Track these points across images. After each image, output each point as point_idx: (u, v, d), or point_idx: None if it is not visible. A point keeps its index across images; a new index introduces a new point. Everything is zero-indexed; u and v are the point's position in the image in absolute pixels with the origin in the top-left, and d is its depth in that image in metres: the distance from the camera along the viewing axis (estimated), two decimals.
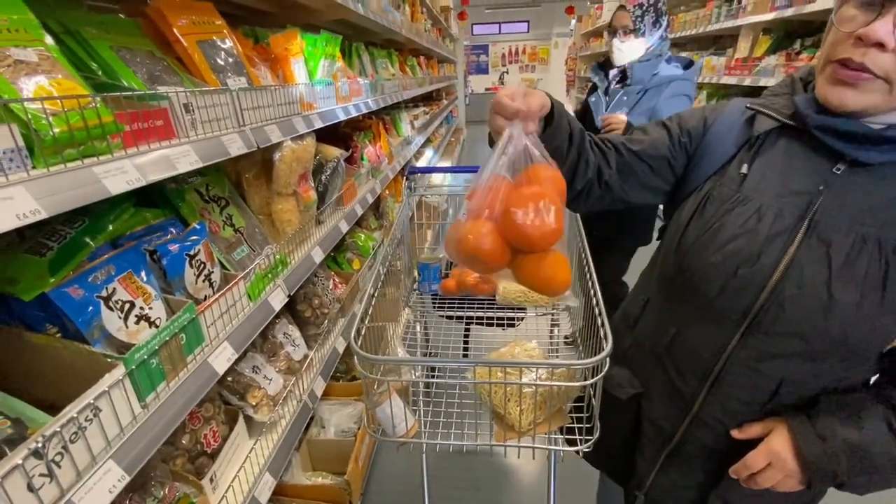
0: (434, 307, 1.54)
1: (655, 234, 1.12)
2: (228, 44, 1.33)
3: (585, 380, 0.85)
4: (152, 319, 0.97)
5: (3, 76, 0.72)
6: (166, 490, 1.05)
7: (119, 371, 0.82)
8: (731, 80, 4.09)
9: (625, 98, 2.26)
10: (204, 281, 1.14)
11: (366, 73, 2.85)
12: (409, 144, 3.77)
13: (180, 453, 1.20)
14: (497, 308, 1.48)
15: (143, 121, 0.94)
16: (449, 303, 1.53)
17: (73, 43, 0.96)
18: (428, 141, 5.13)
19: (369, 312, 0.98)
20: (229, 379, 1.41)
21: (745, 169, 0.87)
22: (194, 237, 1.12)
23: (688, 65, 2.22)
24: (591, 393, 0.93)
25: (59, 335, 0.88)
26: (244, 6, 1.83)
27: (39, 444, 0.67)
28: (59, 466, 0.71)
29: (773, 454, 0.83)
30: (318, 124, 1.69)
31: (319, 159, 1.92)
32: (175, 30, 1.18)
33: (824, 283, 0.76)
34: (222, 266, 1.26)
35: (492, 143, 0.86)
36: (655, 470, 1.04)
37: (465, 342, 1.46)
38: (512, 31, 14.83)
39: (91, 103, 0.79)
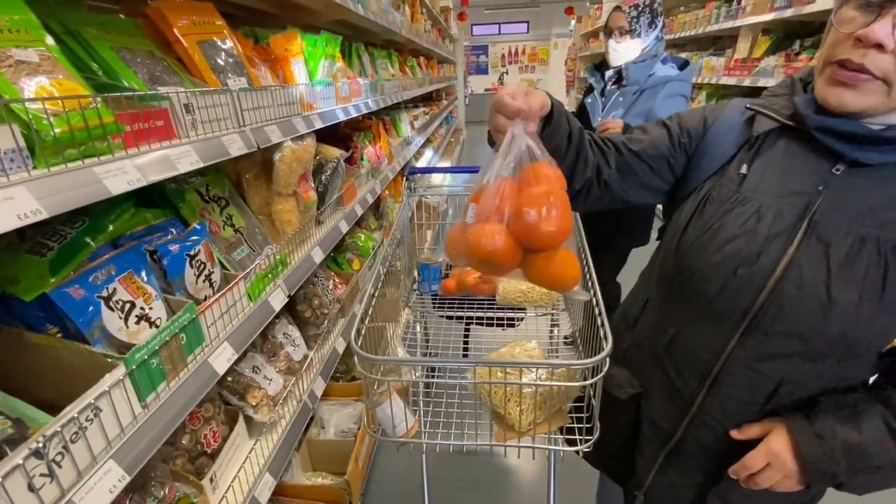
0: (434, 307, 1.54)
1: (654, 235, 1.12)
2: (229, 44, 1.33)
3: (585, 380, 0.85)
4: (153, 319, 0.97)
5: (4, 76, 0.73)
6: (166, 490, 1.05)
7: (119, 371, 0.82)
8: (731, 81, 4.10)
9: (621, 99, 2.26)
10: (204, 281, 1.14)
11: (366, 73, 2.85)
12: (409, 145, 3.77)
13: (180, 453, 1.20)
14: (497, 308, 1.48)
15: (144, 121, 0.95)
16: (449, 303, 1.53)
17: (73, 43, 0.96)
18: (428, 141, 5.13)
19: (369, 312, 0.98)
20: (229, 379, 1.41)
21: (744, 169, 0.88)
22: (195, 237, 1.12)
23: (683, 65, 2.22)
24: (591, 393, 0.93)
25: (59, 335, 0.88)
26: (244, 6, 1.83)
27: (40, 444, 0.67)
28: (60, 466, 0.71)
29: (773, 454, 0.83)
30: (318, 125, 1.70)
31: (319, 160, 1.92)
32: (175, 30, 1.18)
33: (823, 284, 0.76)
34: (222, 266, 1.26)
35: (491, 142, 0.86)
36: (655, 470, 1.04)
37: (465, 342, 1.46)
38: (511, 32, 14.84)
39: (92, 103, 0.79)
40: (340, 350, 1.95)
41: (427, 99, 6.38)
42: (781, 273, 0.79)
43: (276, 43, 1.69)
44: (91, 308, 0.87)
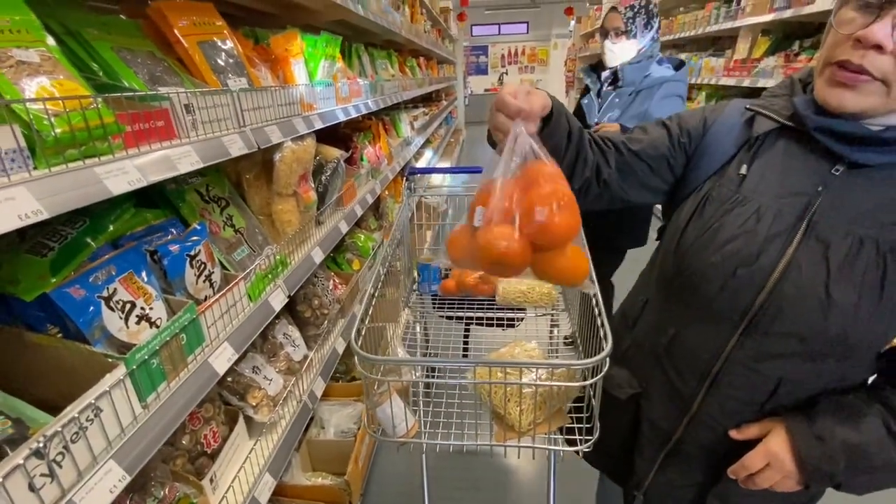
0: (434, 308, 1.54)
1: (654, 235, 1.12)
2: (229, 44, 1.33)
3: (585, 380, 0.85)
4: (153, 320, 0.97)
5: (5, 77, 0.73)
6: (166, 490, 1.05)
7: (120, 371, 0.82)
8: (730, 82, 4.10)
9: (616, 100, 2.26)
10: (204, 281, 1.14)
11: (365, 73, 2.86)
12: (409, 145, 3.77)
13: (180, 454, 1.20)
14: (497, 308, 1.48)
15: (145, 121, 0.95)
16: (449, 303, 1.53)
17: (74, 44, 0.97)
18: (427, 142, 5.14)
19: (369, 313, 0.98)
20: (229, 379, 1.41)
21: (744, 170, 0.88)
22: (195, 237, 1.13)
23: (679, 65, 2.22)
24: (591, 393, 0.93)
25: (60, 335, 0.88)
26: (244, 7, 1.83)
27: (41, 444, 0.67)
28: (61, 466, 0.71)
29: (772, 455, 0.83)
30: (319, 125, 1.70)
31: (319, 160, 1.92)
32: (176, 30, 1.18)
33: (822, 284, 0.77)
34: (223, 266, 1.26)
35: (491, 141, 0.86)
36: (654, 470, 1.04)
37: (465, 343, 1.46)
38: (511, 33, 14.85)
39: (92, 104, 0.79)
40: (340, 350, 1.95)
41: (427, 99, 6.38)
42: (781, 273, 0.79)
43: (276, 43, 1.69)
44: (91, 308, 0.87)
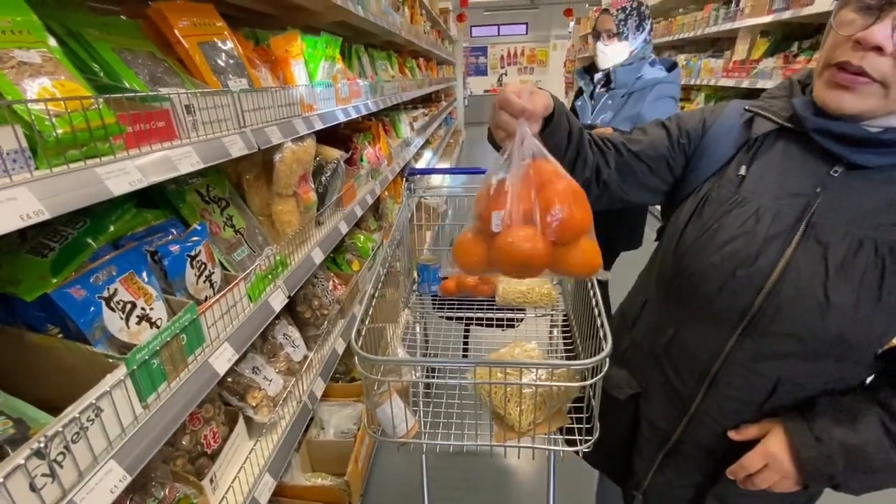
0: (434, 308, 1.54)
1: (653, 236, 1.12)
2: (229, 45, 1.34)
3: (585, 380, 0.85)
4: (153, 320, 0.97)
5: (7, 77, 0.73)
6: (167, 491, 1.06)
7: (120, 371, 0.83)
8: (729, 83, 4.11)
9: (609, 102, 2.26)
10: (205, 282, 1.14)
11: (365, 74, 2.86)
12: (409, 146, 3.77)
13: (181, 454, 1.20)
14: (496, 309, 1.48)
15: (145, 122, 0.95)
16: (448, 304, 1.53)
17: (75, 44, 0.97)
18: (427, 142, 5.14)
19: (369, 313, 0.98)
20: (229, 380, 1.41)
21: (743, 171, 0.88)
22: (195, 238, 1.13)
23: (671, 67, 2.22)
24: (591, 393, 0.93)
25: (60, 336, 0.89)
26: (245, 8, 1.83)
27: (41, 444, 0.67)
28: (61, 466, 0.71)
29: (770, 455, 0.83)
30: (318, 126, 1.70)
31: (319, 161, 1.92)
32: (176, 31, 1.18)
33: (821, 285, 0.77)
34: (223, 267, 1.27)
35: (492, 140, 0.86)
36: (653, 470, 1.04)
37: (465, 343, 1.46)
38: (511, 34, 14.86)
39: (94, 104, 0.80)
40: (340, 351, 1.95)
41: (426, 100, 6.39)
42: (780, 274, 0.80)
43: (276, 44, 1.69)
44: (92, 308, 0.87)
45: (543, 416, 0.98)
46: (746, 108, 0.92)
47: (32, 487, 0.66)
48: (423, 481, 1.47)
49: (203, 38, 1.26)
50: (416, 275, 1.59)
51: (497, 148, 0.85)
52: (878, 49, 0.68)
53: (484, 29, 14.79)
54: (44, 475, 0.68)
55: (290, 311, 1.80)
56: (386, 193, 3.23)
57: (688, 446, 0.97)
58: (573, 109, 2.52)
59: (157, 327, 0.97)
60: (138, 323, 0.94)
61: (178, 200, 1.26)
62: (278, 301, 1.39)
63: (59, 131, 0.74)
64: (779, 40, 3.85)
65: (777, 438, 0.84)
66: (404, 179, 1.65)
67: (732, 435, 0.90)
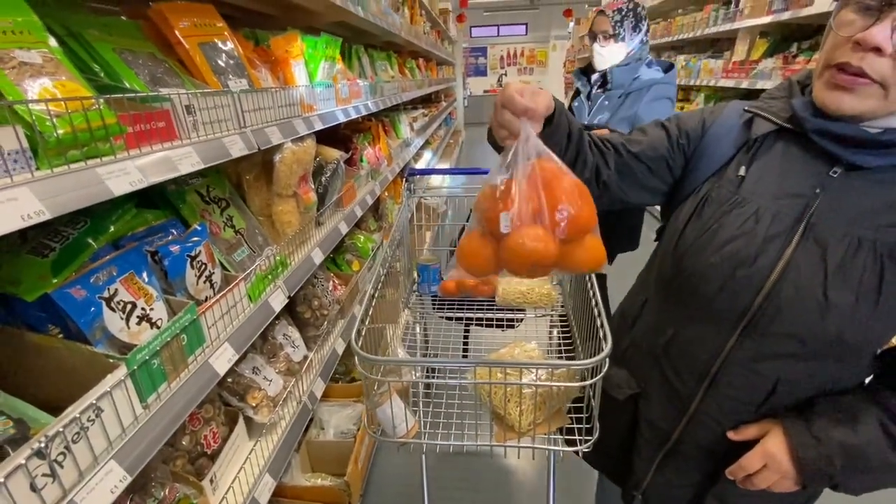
0: (434, 308, 1.54)
1: (652, 236, 1.12)
2: (229, 46, 1.34)
3: (585, 380, 0.85)
4: (154, 320, 0.97)
5: (7, 78, 0.73)
6: (167, 491, 1.06)
7: (121, 371, 0.83)
8: (729, 83, 4.11)
9: (606, 102, 2.26)
10: (205, 282, 1.14)
11: (365, 75, 2.86)
12: (409, 146, 3.78)
13: (181, 454, 1.20)
14: (496, 309, 1.48)
15: (146, 122, 0.95)
16: (448, 304, 1.53)
17: (75, 45, 0.97)
18: (427, 143, 5.14)
19: (369, 313, 0.98)
20: (229, 380, 1.41)
21: (742, 171, 0.88)
22: (195, 238, 1.13)
23: (668, 68, 2.22)
24: (591, 393, 0.93)
25: (61, 336, 0.89)
26: (245, 8, 1.84)
27: (42, 444, 0.67)
28: (62, 466, 0.71)
29: (769, 456, 0.84)
30: (318, 126, 1.70)
31: (319, 161, 1.93)
32: (177, 32, 1.18)
33: (820, 286, 0.77)
34: (223, 267, 1.27)
35: (492, 140, 0.86)
36: (652, 470, 1.04)
37: (465, 343, 1.46)
38: (510, 34, 14.86)
39: (94, 105, 0.80)
40: (340, 351, 1.95)
41: (426, 100, 6.39)
42: (779, 274, 0.80)
43: (276, 45, 1.69)
44: (92, 309, 0.87)
45: (543, 416, 0.98)
46: (746, 108, 0.92)
47: (33, 487, 0.66)
48: (423, 481, 1.47)
49: (203, 39, 1.26)
50: (415, 275, 1.59)
51: (497, 149, 0.86)
52: (878, 50, 0.68)
53: (484, 29, 14.79)
54: (44, 475, 0.68)
55: (290, 311, 1.80)
56: (386, 194, 3.23)
57: (687, 446, 0.98)
58: (570, 110, 2.52)
59: (158, 327, 0.97)
60: (139, 323, 0.94)
61: (178, 201, 1.26)
62: (278, 301, 1.40)
63: (60, 131, 0.74)
64: (778, 41, 3.86)
65: (776, 438, 0.84)
66: (404, 180, 1.65)
67: (731, 435, 0.90)
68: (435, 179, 3.66)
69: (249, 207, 1.53)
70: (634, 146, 0.98)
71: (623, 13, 2.17)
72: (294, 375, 1.59)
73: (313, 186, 1.75)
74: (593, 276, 1.03)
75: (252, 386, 1.44)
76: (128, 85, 0.99)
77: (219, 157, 1.11)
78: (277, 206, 1.56)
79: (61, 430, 0.70)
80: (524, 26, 14.66)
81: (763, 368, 0.85)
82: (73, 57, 0.94)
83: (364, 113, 2.35)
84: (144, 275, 0.98)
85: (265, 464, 1.35)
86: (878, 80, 0.70)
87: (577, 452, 0.92)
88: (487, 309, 1.50)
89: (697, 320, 0.90)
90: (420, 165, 4.64)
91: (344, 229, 2.00)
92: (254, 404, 1.42)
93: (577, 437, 0.94)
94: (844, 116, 0.75)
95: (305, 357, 1.71)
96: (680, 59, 5.60)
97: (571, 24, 11.34)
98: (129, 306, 0.93)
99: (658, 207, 1.07)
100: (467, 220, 1.64)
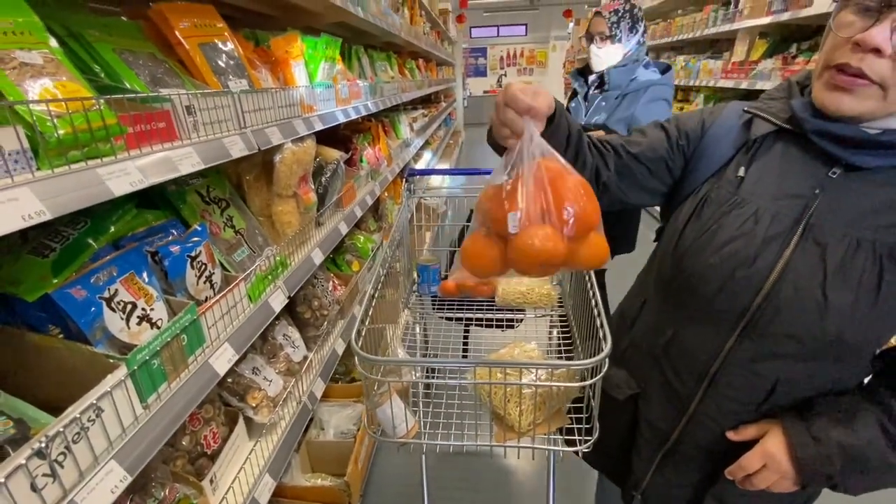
0: (433, 309, 1.54)
1: (652, 236, 1.12)
2: (230, 46, 1.34)
3: (584, 380, 0.85)
4: (154, 320, 0.97)
5: (8, 78, 0.73)
6: (167, 491, 1.06)
7: (121, 372, 0.83)
8: (728, 84, 4.12)
9: (603, 103, 2.26)
10: (205, 282, 1.14)
11: (365, 75, 2.86)
12: (408, 147, 3.78)
13: (181, 454, 1.21)
14: (496, 309, 1.48)
15: (146, 123, 0.95)
16: (448, 304, 1.53)
17: (76, 45, 0.97)
18: (427, 143, 5.14)
19: (369, 314, 0.98)
20: (229, 380, 1.41)
21: (742, 172, 0.88)
22: (195, 238, 1.13)
23: (665, 69, 2.23)
24: (591, 393, 0.93)
25: (61, 336, 0.89)
26: (245, 9, 1.84)
27: (42, 445, 0.67)
28: (62, 466, 0.71)
29: (768, 456, 0.84)
30: (318, 126, 1.70)
31: (319, 161, 1.93)
32: (177, 32, 1.18)
33: (819, 286, 0.77)
34: (223, 267, 1.27)
35: (492, 140, 0.86)
36: (652, 470, 1.04)
37: (465, 343, 1.47)
38: (510, 34, 14.87)
39: (95, 105, 0.80)
40: (340, 351, 1.95)
41: (426, 101, 6.39)
42: (778, 275, 0.80)
43: (276, 45, 1.69)
44: (93, 309, 0.87)
45: (543, 416, 0.98)
46: (745, 109, 0.93)
47: (33, 487, 0.66)
48: (422, 481, 1.47)
49: (204, 39, 1.26)
50: (415, 275, 1.60)
51: (497, 150, 0.86)
52: (877, 51, 0.68)
53: (483, 30, 14.79)
54: (45, 475, 0.68)
55: (290, 311, 1.80)
56: (386, 194, 3.24)
57: (686, 446, 0.98)
58: (567, 111, 2.53)
59: (158, 328, 0.97)
60: (139, 323, 0.94)
61: (178, 201, 1.27)
62: (278, 301, 1.40)
63: (61, 132, 0.74)
64: (777, 41, 3.86)
65: (775, 439, 0.84)
66: (404, 180, 1.65)
67: (731, 435, 0.90)
68: (435, 180, 3.66)
69: (249, 208, 1.53)
70: (634, 147, 0.98)
71: (619, 14, 2.17)
72: (294, 375, 1.59)
73: (313, 187, 1.75)
74: (593, 276, 1.03)
75: (252, 386, 1.44)
76: (128, 85, 0.99)
77: (219, 158, 1.11)
78: (277, 206, 1.57)
79: (61, 430, 0.70)
80: (524, 27, 14.66)
81: (762, 369, 0.85)
82: (74, 57, 0.94)
83: (364, 113, 2.35)
84: (145, 275, 0.98)
85: (265, 464, 1.35)
86: (878, 81, 0.70)
87: (576, 452, 0.92)
88: (487, 309, 1.50)
89: (697, 321, 0.91)
90: (420, 166, 4.64)
91: (344, 230, 2.00)
92: (254, 404, 1.42)
93: (576, 438, 0.94)
94: (844, 117, 0.75)
95: (305, 357, 1.71)
96: (679, 60, 5.61)
97: (571, 24, 11.34)
98: (129, 306, 0.93)
99: (657, 208, 1.07)
100: (468, 221, 1.65)
